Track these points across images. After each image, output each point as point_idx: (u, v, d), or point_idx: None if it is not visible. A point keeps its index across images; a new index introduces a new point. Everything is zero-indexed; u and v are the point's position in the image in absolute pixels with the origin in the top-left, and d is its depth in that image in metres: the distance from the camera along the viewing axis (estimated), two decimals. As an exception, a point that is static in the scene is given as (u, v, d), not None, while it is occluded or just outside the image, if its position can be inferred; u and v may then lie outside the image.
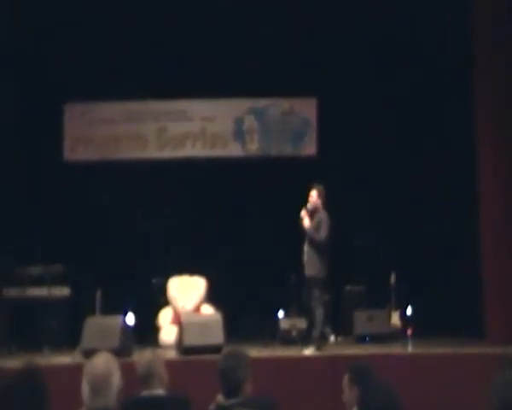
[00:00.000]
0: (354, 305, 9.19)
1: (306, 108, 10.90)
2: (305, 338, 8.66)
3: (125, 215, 10.15)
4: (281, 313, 9.61)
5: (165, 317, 9.14)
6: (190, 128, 10.90)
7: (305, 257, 7.93)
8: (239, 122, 10.95)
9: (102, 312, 8.65)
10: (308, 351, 7.61)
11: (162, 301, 9.31)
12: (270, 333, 9.09)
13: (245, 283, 9.62)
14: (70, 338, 8.54)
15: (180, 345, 7.69)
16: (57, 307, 8.99)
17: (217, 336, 7.54)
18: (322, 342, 7.89)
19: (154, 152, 10.84)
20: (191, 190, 10.29)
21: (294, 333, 8.84)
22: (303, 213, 7.98)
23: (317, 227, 7.90)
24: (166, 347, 8.48)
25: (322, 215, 7.98)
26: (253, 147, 10.96)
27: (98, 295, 8.74)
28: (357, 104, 10.32)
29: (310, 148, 10.85)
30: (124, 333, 7.60)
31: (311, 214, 8.03)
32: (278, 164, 10.60)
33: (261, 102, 10.97)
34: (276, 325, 9.13)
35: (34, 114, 10.15)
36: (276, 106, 10.99)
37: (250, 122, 10.96)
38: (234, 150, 10.88)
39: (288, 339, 8.79)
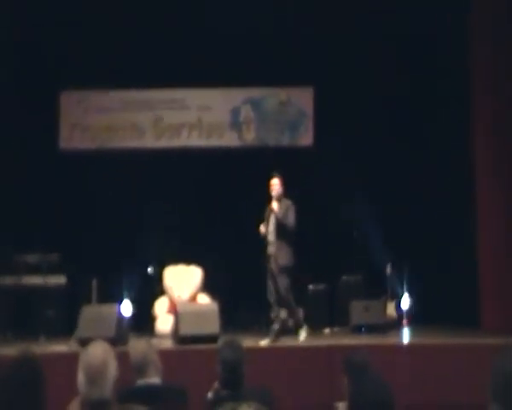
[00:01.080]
0: (350, 295, 9.17)
1: (303, 98, 10.88)
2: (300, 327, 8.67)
3: (122, 204, 10.11)
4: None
5: (161, 306, 9.12)
6: (187, 117, 10.86)
7: (274, 248, 7.84)
8: (235, 112, 10.91)
9: (98, 301, 8.64)
10: (264, 342, 7.58)
11: (158, 290, 9.30)
12: (266, 323, 9.08)
13: (241, 272, 9.60)
14: (66, 327, 8.52)
15: (176, 334, 7.67)
16: (53, 296, 8.98)
17: (213, 326, 7.52)
18: (280, 333, 7.86)
19: (150, 141, 10.82)
20: (187, 179, 10.25)
21: (291, 323, 8.80)
22: (273, 203, 7.90)
23: (285, 214, 7.86)
24: (162, 336, 8.47)
25: (288, 202, 7.95)
26: (250, 137, 10.93)
27: (94, 283, 8.73)
28: (354, 94, 10.28)
29: (306, 138, 10.83)
30: (120, 322, 7.57)
31: (276, 201, 7.99)
32: (275, 154, 10.57)
33: (258, 92, 10.95)
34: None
35: (30, 102, 10.08)
36: (272, 96, 10.96)
37: (247, 112, 10.93)
38: (230, 140, 10.86)
39: (284, 329, 8.75)
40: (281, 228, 7.86)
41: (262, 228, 7.89)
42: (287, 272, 7.83)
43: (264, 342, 7.56)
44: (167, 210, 9.90)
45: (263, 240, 7.93)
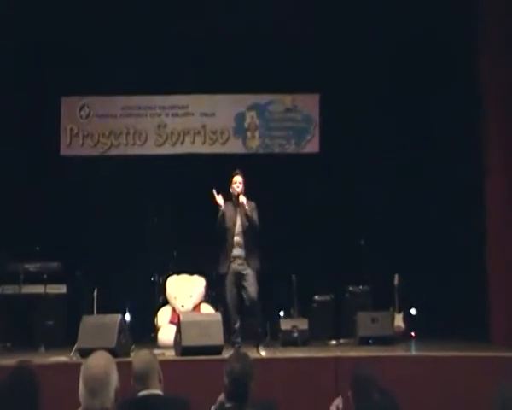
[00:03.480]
0: (357, 306, 9.16)
1: (309, 104, 10.89)
2: (307, 339, 8.67)
3: (124, 212, 10.14)
4: (282, 314, 9.62)
5: (163, 316, 9.11)
6: (190, 124, 10.89)
7: (242, 250, 7.77)
8: (240, 118, 10.94)
9: (99, 310, 8.61)
10: (264, 352, 7.55)
11: (161, 299, 9.29)
12: (270, 334, 9.08)
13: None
14: (66, 337, 8.53)
15: (179, 345, 7.66)
16: (54, 305, 8.98)
17: (216, 337, 7.49)
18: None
19: (153, 148, 10.84)
20: (191, 186, 10.26)
21: (296, 334, 8.80)
22: (242, 198, 7.80)
23: (250, 216, 7.82)
24: (165, 347, 8.45)
25: (252, 203, 7.91)
26: (255, 144, 10.95)
27: (95, 293, 8.71)
28: (361, 100, 10.31)
29: (313, 145, 10.84)
30: (121, 332, 7.55)
31: (236, 204, 7.89)
32: (280, 161, 10.59)
33: (263, 98, 10.97)
34: (276, 326, 9.10)
35: (30, 108, 10.13)
36: (278, 102, 10.98)
37: (251, 118, 10.95)
38: (234, 147, 10.87)
39: (289, 340, 8.76)
40: (250, 228, 7.79)
41: (220, 200, 7.76)
42: (256, 277, 7.77)
43: (263, 353, 7.55)
44: (170, 217, 9.91)
45: (220, 223, 7.74)
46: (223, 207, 7.82)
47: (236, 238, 7.85)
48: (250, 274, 7.76)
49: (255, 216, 7.85)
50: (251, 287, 7.74)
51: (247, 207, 7.79)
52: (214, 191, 7.78)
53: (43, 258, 8.88)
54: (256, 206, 7.93)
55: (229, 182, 7.96)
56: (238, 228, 7.88)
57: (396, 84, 10.32)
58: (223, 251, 7.90)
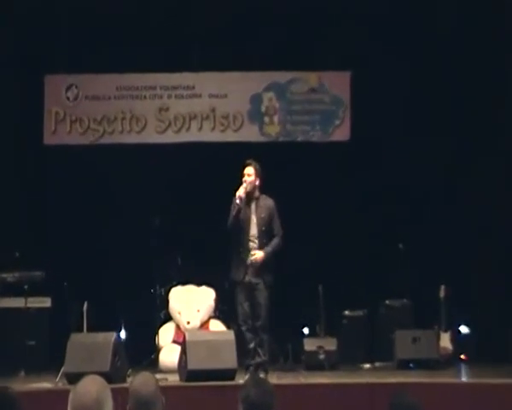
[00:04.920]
0: (395, 323, 9.14)
1: (338, 84, 10.86)
2: (335, 362, 8.65)
3: (119, 212, 10.15)
4: (305, 332, 9.60)
5: (165, 334, 9.12)
6: (197, 107, 10.89)
7: (259, 265, 7.77)
8: (256, 100, 10.93)
9: (90, 328, 8.64)
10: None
11: (162, 315, 9.30)
12: (292, 355, 9.07)
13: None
14: (51, 359, 8.54)
15: (184, 369, 7.66)
16: (36, 322, 9.01)
17: (228, 359, 7.49)
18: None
19: (153, 136, 10.85)
20: (198, 181, 10.26)
21: (322, 356, 8.79)
22: (242, 192, 7.75)
23: (268, 220, 7.81)
24: (167, 370, 8.46)
25: (270, 202, 7.89)
26: (274, 131, 10.94)
27: (85, 307, 8.73)
28: (401, 79, 10.27)
29: (342, 132, 10.81)
30: (116, 354, 7.57)
31: (249, 200, 7.86)
32: (304, 152, 10.57)
33: (283, 76, 10.94)
34: (299, 346, 9.09)
35: (7, 88, 10.15)
36: (301, 81, 10.96)
37: (270, 100, 10.94)
38: (250, 134, 10.86)
39: (314, 363, 8.75)
40: (267, 232, 7.81)
41: (243, 193, 7.73)
42: (271, 291, 7.78)
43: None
44: (174, 218, 9.91)
45: (235, 215, 7.70)
46: (238, 201, 7.76)
47: (251, 244, 7.86)
48: (262, 289, 7.76)
49: (277, 226, 7.87)
50: (262, 305, 7.74)
51: (262, 257, 7.74)
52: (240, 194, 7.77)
53: (23, 266, 8.88)
54: (274, 204, 7.91)
55: (242, 176, 7.94)
56: (253, 231, 7.87)
57: (442, 59, 10.27)
58: (236, 255, 7.91)
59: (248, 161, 7.90)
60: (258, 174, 7.87)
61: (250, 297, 7.81)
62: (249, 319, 7.80)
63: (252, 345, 7.78)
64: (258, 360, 7.74)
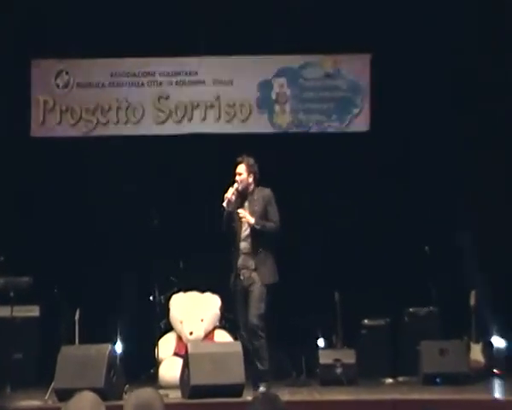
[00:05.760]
0: (420, 334, 9.11)
1: (357, 68, 10.84)
2: (354, 377, 8.64)
3: (114, 210, 10.16)
4: (321, 344, 9.59)
5: (166, 346, 9.13)
6: (201, 95, 10.89)
7: (250, 258, 7.77)
8: (266, 87, 10.92)
9: (83, 339, 8.65)
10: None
11: (162, 324, 9.30)
12: (306, 369, 9.06)
13: (272, 301, 9.57)
14: (40, 374, 8.54)
15: (186, 385, 7.66)
16: (23, 332, 9.01)
17: (235, 374, 7.49)
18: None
19: (151, 127, 10.85)
20: (201, 177, 10.26)
21: (339, 370, 8.78)
22: (230, 194, 7.77)
23: (263, 212, 7.80)
24: (168, 386, 8.46)
25: (266, 192, 7.90)
26: (285, 121, 10.94)
27: (77, 316, 8.74)
28: (425, 62, 10.24)
29: (361, 121, 10.79)
30: (111, 368, 7.58)
31: (243, 198, 7.91)
32: (318, 144, 10.54)
33: (295, 61, 10.93)
34: (314, 359, 9.09)
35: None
36: (315, 65, 10.95)
37: (280, 87, 10.93)
38: (258, 125, 10.87)
39: (330, 378, 8.74)
40: (259, 232, 7.78)
41: (231, 196, 7.76)
42: (268, 294, 7.76)
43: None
44: (174, 217, 9.91)
45: (226, 214, 7.76)
46: (225, 204, 7.77)
47: (243, 244, 7.86)
48: (256, 291, 7.75)
49: (272, 210, 7.82)
50: (252, 308, 7.73)
51: (251, 222, 7.76)
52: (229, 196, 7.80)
53: (8, 270, 8.87)
54: (271, 194, 7.90)
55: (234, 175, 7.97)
56: (245, 231, 7.88)
57: (469, 41, 10.25)
58: (231, 259, 7.95)
59: (239, 159, 7.95)
60: (250, 170, 7.92)
61: (242, 300, 7.81)
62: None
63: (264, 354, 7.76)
64: (255, 371, 7.69)
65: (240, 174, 7.88)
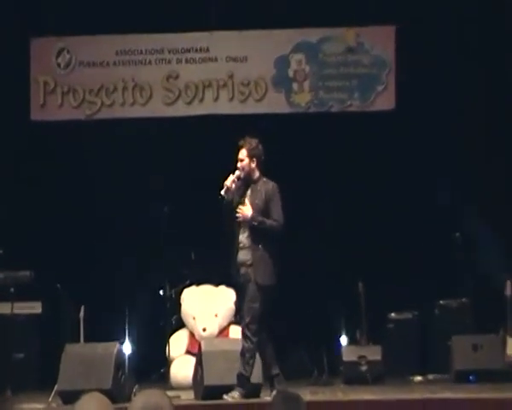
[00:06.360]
0: (452, 328, 9.11)
1: (381, 42, 10.79)
2: (380, 375, 8.62)
3: (121, 198, 10.16)
4: (344, 340, 9.58)
5: (177, 344, 9.15)
6: (212, 73, 10.87)
7: (248, 254, 7.50)
8: (282, 64, 10.89)
9: (88, 337, 8.67)
10: (231, 397, 7.31)
11: (174, 320, 9.32)
12: (329, 367, 9.06)
13: (291, 294, 9.57)
14: (42, 375, 8.57)
15: (199, 385, 7.67)
16: (24, 331, 9.05)
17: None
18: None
19: (160, 108, 10.86)
20: (213, 161, 10.23)
21: (364, 367, 8.78)
22: (229, 182, 7.57)
23: (265, 208, 7.52)
24: (180, 387, 8.49)
25: (269, 186, 7.61)
26: (303, 100, 10.91)
27: (82, 313, 8.75)
28: (454, 33, 10.19)
29: (386, 99, 10.75)
30: (119, 368, 7.60)
31: (246, 186, 7.68)
32: (340, 124, 10.52)
33: (314, 34, 10.89)
34: (337, 356, 9.13)
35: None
36: (336, 39, 10.91)
37: (298, 64, 10.91)
38: (275, 105, 10.85)
39: (355, 376, 8.74)
40: (260, 230, 7.51)
41: (230, 183, 7.56)
42: (264, 295, 7.45)
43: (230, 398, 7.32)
44: (185, 205, 9.92)
45: (225, 203, 7.54)
46: (223, 192, 7.57)
47: (242, 237, 7.61)
48: (249, 289, 7.47)
49: (274, 206, 7.53)
50: (244, 309, 7.48)
51: (248, 216, 7.47)
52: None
53: (8, 264, 8.90)
54: (275, 188, 7.60)
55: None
56: (244, 223, 7.60)
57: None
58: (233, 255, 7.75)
59: (240, 142, 7.68)
60: (252, 154, 7.62)
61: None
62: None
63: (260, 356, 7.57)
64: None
65: (241, 160, 7.62)
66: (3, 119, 10.34)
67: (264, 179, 7.66)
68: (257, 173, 7.65)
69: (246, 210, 7.49)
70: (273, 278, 7.51)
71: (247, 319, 7.40)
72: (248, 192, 7.66)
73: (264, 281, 7.45)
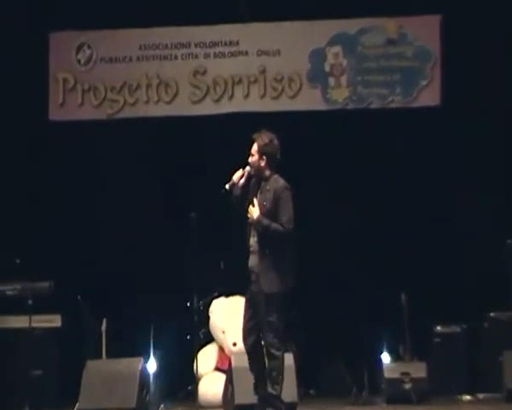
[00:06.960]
0: (503, 342, 9.08)
1: (425, 33, 10.76)
2: (425, 393, 8.59)
3: (146, 204, 10.19)
4: (386, 356, 9.57)
5: (206, 360, 9.16)
6: (243, 68, 10.91)
7: (256, 259, 7.29)
8: (318, 57, 10.90)
9: (111, 353, 8.71)
10: None
11: (202, 335, 9.33)
12: (369, 385, 9.04)
13: (327, 306, 9.57)
14: (62, 392, 8.61)
15: (230, 403, 7.69)
16: (43, 346, 9.08)
17: (287, 391, 7.45)
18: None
19: (187, 106, 10.89)
20: (243, 163, 10.24)
21: (408, 385, 8.75)
22: (236, 177, 7.48)
23: (273, 209, 7.26)
24: (209, 405, 8.51)
25: (279, 185, 7.34)
26: (341, 96, 10.91)
27: (104, 326, 8.79)
28: (504, 24, 10.17)
29: (430, 95, 10.72)
30: (144, 385, 7.62)
31: (259, 184, 7.45)
32: (380, 121, 10.49)
33: (353, 25, 10.90)
34: (378, 374, 9.12)
35: (4, 50, 10.24)
36: (376, 30, 10.90)
37: (336, 57, 10.90)
38: (310, 101, 10.85)
39: (398, 395, 8.72)
40: (268, 236, 7.25)
41: (237, 178, 7.45)
42: (276, 305, 7.21)
43: None
44: (213, 211, 9.91)
45: (230, 198, 7.48)
46: (228, 187, 7.51)
47: (252, 241, 7.42)
48: (261, 302, 7.24)
49: (284, 209, 7.26)
50: (262, 324, 7.23)
51: (254, 218, 7.25)
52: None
53: (25, 275, 8.97)
54: (286, 189, 7.31)
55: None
56: (256, 234, 7.37)
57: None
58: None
59: (254, 136, 7.49)
60: (263, 151, 7.39)
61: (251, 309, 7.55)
62: (246, 338, 7.40)
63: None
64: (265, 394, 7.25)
65: (252, 155, 7.45)
66: (21, 119, 10.40)
67: (275, 176, 7.40)
68: (267, 171, 7.41)
69: (253, 212, 7.30)
70: (282, 285, 7.24)
71: (268, 337, 7.19)
72: (259, 191, 7.45)
73: (269, 289, 7.21)
